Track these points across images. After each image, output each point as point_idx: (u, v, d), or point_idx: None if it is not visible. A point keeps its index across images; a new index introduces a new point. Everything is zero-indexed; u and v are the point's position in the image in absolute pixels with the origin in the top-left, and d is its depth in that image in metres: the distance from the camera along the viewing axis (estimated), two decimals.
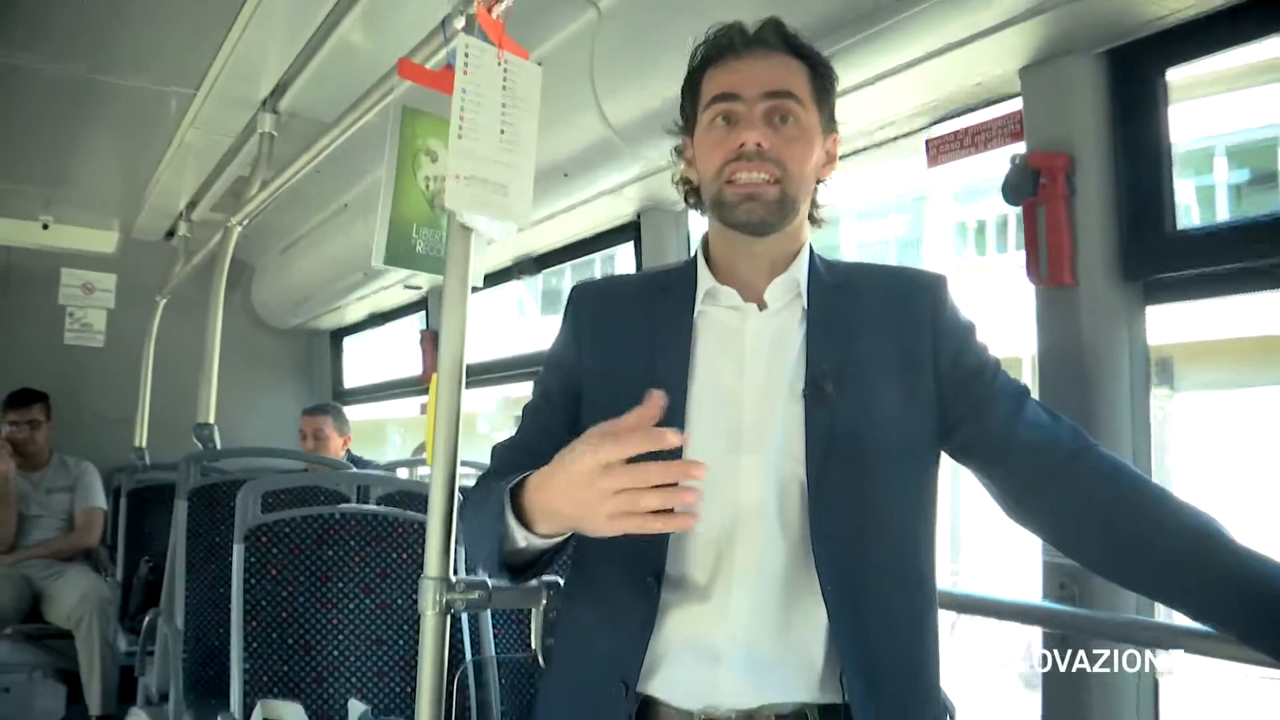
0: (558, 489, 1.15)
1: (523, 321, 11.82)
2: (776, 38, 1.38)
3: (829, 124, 1.41)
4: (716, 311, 1.39)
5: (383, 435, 9.43)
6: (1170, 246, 1.82)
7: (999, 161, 1.95)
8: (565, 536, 1.24)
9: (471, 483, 1.46)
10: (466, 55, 1.63)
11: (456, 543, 1.70)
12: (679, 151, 1.49)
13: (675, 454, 1.22)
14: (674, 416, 1.28)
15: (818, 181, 1.42)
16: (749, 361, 1.35)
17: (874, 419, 1.32)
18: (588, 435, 1.12)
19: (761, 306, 1.38)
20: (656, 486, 1.08)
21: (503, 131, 1.67)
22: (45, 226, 5.07)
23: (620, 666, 1.29)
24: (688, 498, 1.07)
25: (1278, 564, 1.19)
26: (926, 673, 1.35)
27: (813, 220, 1.44)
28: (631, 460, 1.09)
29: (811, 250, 1.43)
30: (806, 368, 1.33)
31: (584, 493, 1.10)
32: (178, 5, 2.83)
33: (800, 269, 1.39)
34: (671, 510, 1.08)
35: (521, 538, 1.21)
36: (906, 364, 1.36)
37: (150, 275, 5.09)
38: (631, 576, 1.30)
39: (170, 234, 5.11)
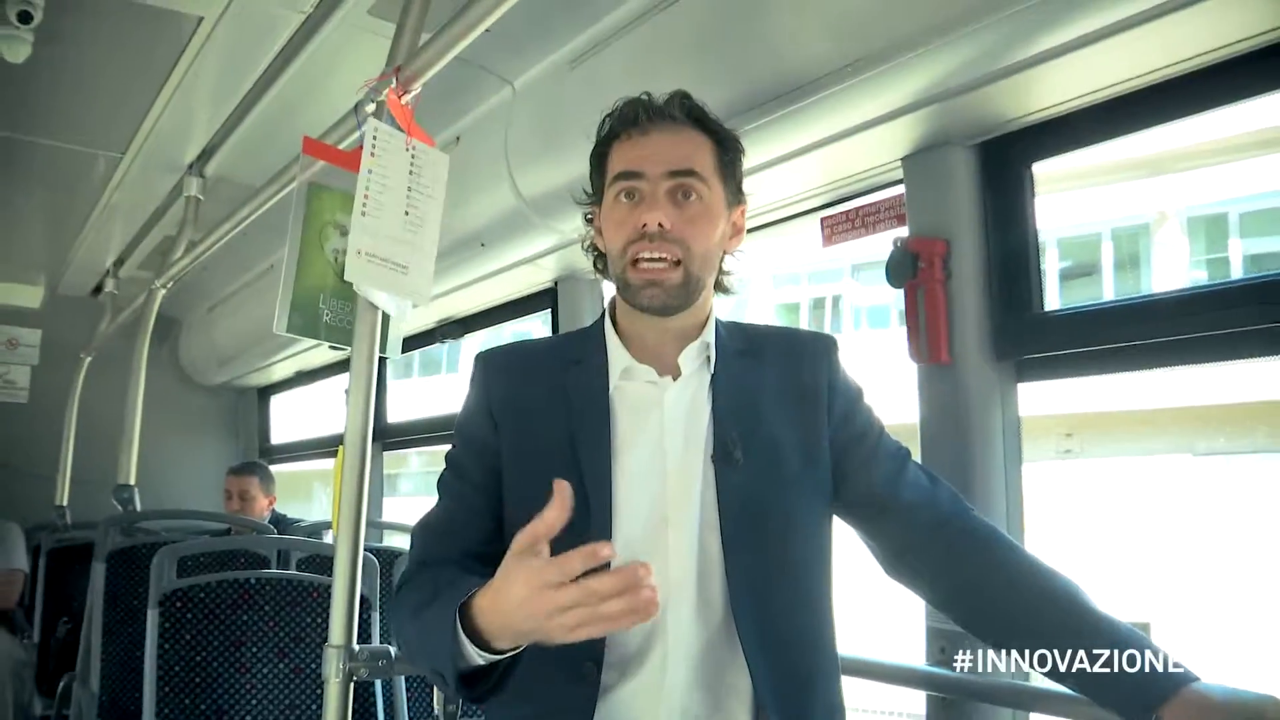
0: (511, 609, 1.10)
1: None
2: (682, 112, 1.39)
3: (735, 196, 1.42)
4: (632, 386, 1.40)
5: (309, 489, 9.35)
6: (1038, 328, 1.93)
7: (882, 243, 2.06)
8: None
9: (394, 544, 1.46)
10: (375, 139, 1.69)
11: (360, 609, 1.73)
12: (588, 220, 1.50)
13: (603, 535, 1.28)
14: (601, 496, 1.32)
15: (725, 253, 1.43)
16: (668, 432, 1.36)
17: (780, 482, 1.36)
18: (516, 551, 1.09)
19: (675, 376, 1.40)
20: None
21: (407, 213, 1.72)
22: None
23: None
24: (647, 594, 1.04)
25: (1131, 631, 1.27)
26: None
27: (722, 289, 1.46)
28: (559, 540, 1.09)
29: (716, 319, 1.45)
30: (715, 435, 1.36)
31: (538, 608, 1.07)
32: (105, 71, 2.87)
33: (709, 335, 1.41)
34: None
35: (479, 657, 1.15)
36: (807, 426, 1.40)
37: (76, 332, 5.04)
38: (568, 664, 1.28)
39: (98, 290, 5.08)
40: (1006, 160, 1.96)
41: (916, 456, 1.50)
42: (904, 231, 2.05)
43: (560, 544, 1.24)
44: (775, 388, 1.41)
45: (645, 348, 1.41)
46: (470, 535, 1.38)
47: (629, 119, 1.39)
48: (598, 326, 1.46)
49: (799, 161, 2.09)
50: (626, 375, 1.40)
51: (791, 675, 1.32)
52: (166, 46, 2.62)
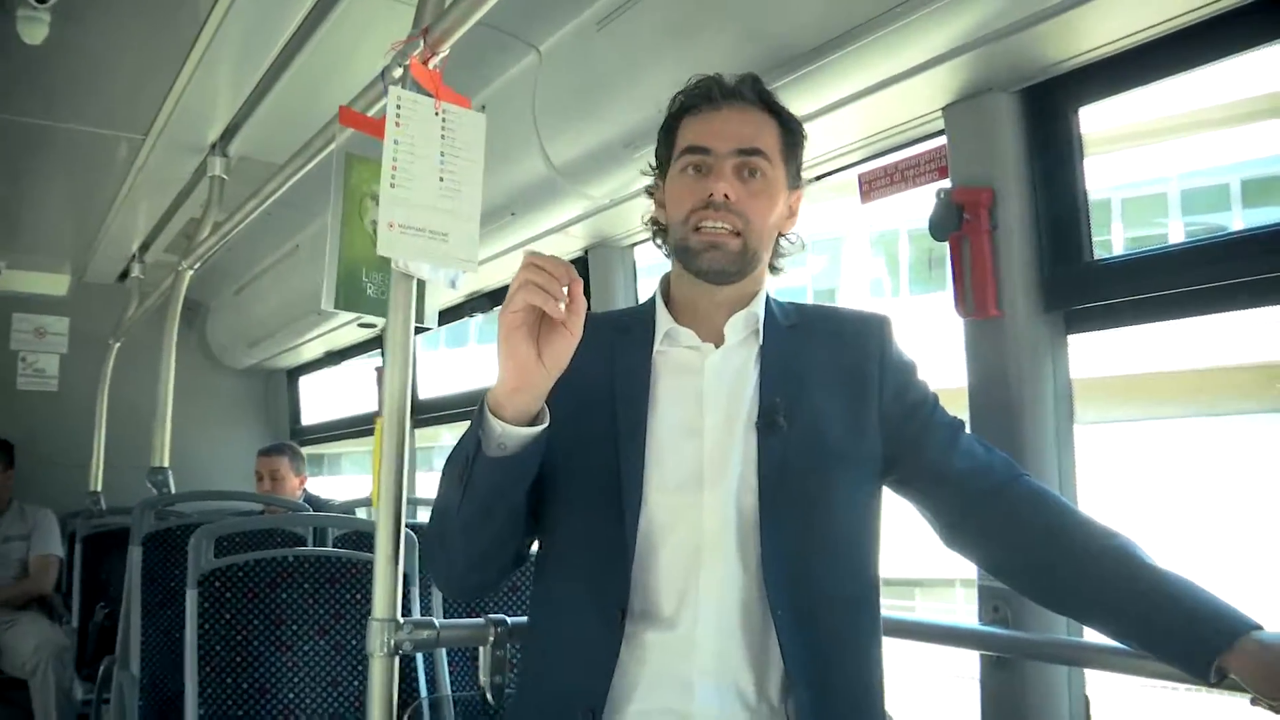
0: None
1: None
2: (752, 93, 1.43)
3: (794, 180, 1.46)
4: (675, 351, 1.43)
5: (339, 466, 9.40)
6: (1088, 277, 1.89)
7: (927, 196, 2.02)
8: (534, 447, 1.25)
9: (426, 520, 1.48)
10: (399, 107, 1.66)
11: (407, 584, 1.72)
12: (650, 193, 1.54)
13: (636, 495, 1.34)
14: (634, 450, 1.36)
15: (780, 235, 1.47)
16: (708, 397, 1.40)
17: (822, 452, 1.38)
18: None
19: (719, 344, 1.43)
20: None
21: (442, 179, 1.69)
22: None
23: (586, 699, 1.31)
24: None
25: (1188, 584, 1.26)
26: (873, 694, 1.40)
27: (773, 269, 1.50)
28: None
29: (768, 295, 1.48)
30: (760, 402, 1.39)
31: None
32: (124, 50, 2.86)
33: (759, 307, 1.45)
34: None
35: (497, 426, 1.23)
36: (854, 400, 1.43)
37: (104, 318, 5.08)
38: (596, 611, 1.33)
39: (124, 275, 5.10)
40: (1052, 105, 1.91)
41: (964, 413, 1.49)
42: (946, 184, 2.00)
43: (592, 491, 1.36)
44: (824, 363, 1.44)
45: (695, 314, 1.45)
46: None
47: (700, 96, 1.44)
48: (651, 302, 1.51)
49: (833, 117, 2.06)
50: (670, 339, 1.44)
51: (822, 642, 1.34)
52: (185, 23, 2.60)
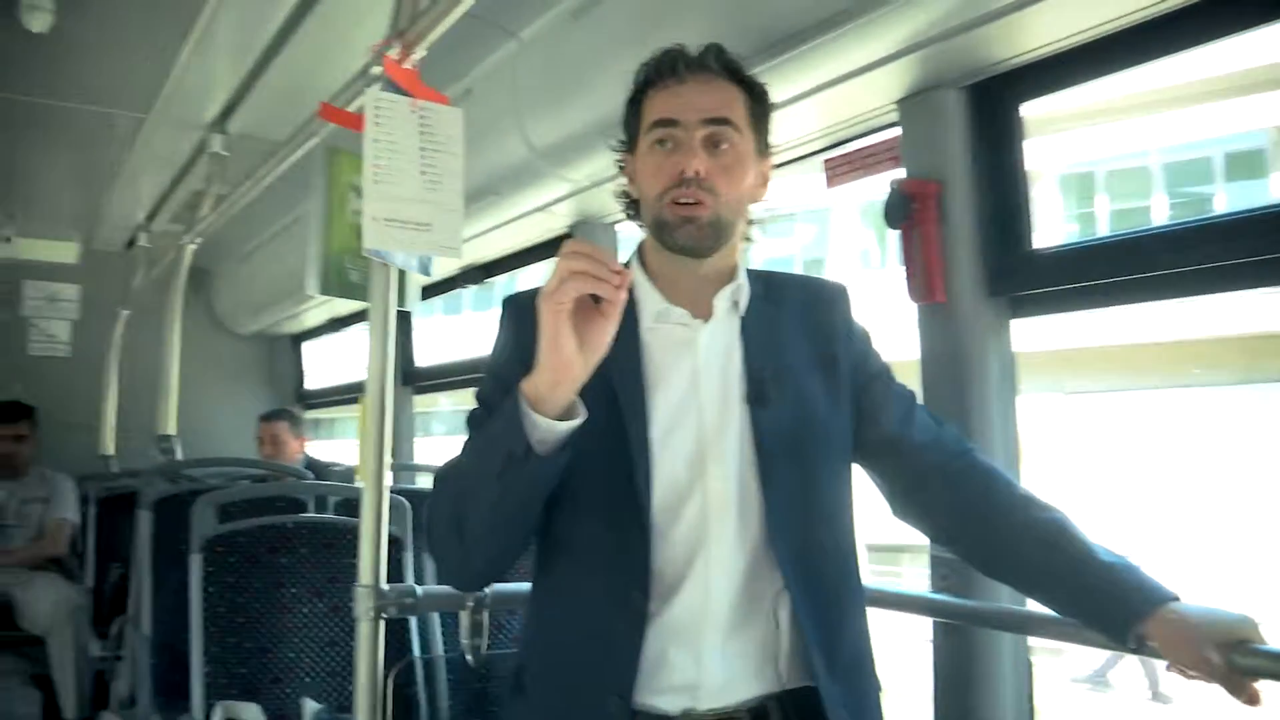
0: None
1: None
2: (718, 63, 1.41)
3: (763, 147, 1.44)
4: (665, 328, 1.42)
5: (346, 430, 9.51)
6: (1030, 265, 1.98)
7: (884, 183, 2.11)
8: (570, 440, 1.25)
9: (425, 485, 1.52)
10: (377, 108, 1.73)
11: (391, 549, 1.83)
12: (620, 167, 1.51)
13: (646, 478, 1.35)
14: (639, 428, 1.37)
15: (752, 201, 1.46)
16: (703, 372, 1.40)
17: (809, 420, 1.42)
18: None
19: (707, 318, 1.43)
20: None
21: (423, 172, 1.76)
22: (7, 240, 5.11)
23: (615, 684, 1.32)
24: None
25: (1115, 558, 1.35)
26: (869, 651, 1.46)
27: (745, 237, 1.48)
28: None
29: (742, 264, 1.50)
30: (747, 374, 1.41)
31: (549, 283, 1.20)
32: (125, 34, 2.94)
33: (742, 278, 1.45)
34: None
35: (542, 423, 1.22)
36: (828, 368, 1.46)
37: (113, 286, 5.17)
38: (616, 596, 1.34)
39: (131, 244, 5.18)
40: (997, 101, 1.99)
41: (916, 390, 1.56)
42: (902, 173, 2.09)
43: (601, 476, 1.33)
44: (797, 331, 1.47)
45: (680, 291, 1.44)
46: None
47: (666, 68, 1.41)
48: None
49: (799, 106, 2.12)
50: (661, 318, 1.43)
51: (826, 598, 1.39)
52: (182, 9, 2.70)
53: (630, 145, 1.47)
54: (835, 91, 2.06)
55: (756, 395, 1.39)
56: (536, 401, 1.23)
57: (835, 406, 1.45)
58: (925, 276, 1.99)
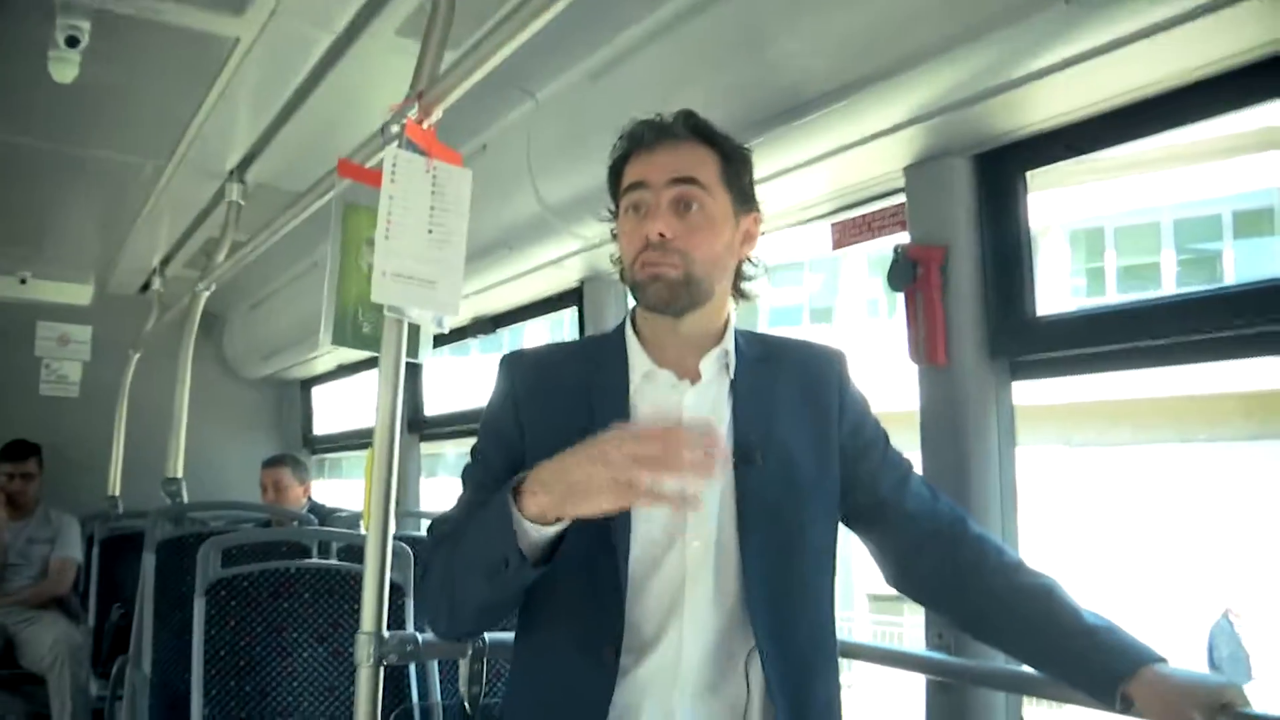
0: (575, 457, 1.22)
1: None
2: (685, 128, 1.45)
3: (743, 204, 1.48)
4: (651, 389, 1.46)
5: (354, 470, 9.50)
6: (1031, 330, 2.02)
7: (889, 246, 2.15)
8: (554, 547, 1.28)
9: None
10: (395, 166, 1.77)
11: (393, 596, 1.84)
12: (613, 234, 1.55)
13: (625, 535, 1.37)
14: None
15: (741, 260, 1.50)
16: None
17: (795, 485, 1.44)
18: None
19: (694, 380, 1.45)
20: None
21: (431, 231, 1.80)
22: (23, 281, 5.20)
23: None
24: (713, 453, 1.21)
25: (1103, 621, 1.38)
26: (836, 710, 1.48)
27: (742, 295, 1.52)
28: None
29: (734, 325, 1.51)
30: (735, 438, 1.43)
31: (604, 449, 1.20)
32: (148, 87, 3.00)
33: (729, 343, 1.48)
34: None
35: (532, 530, 1.25)
36: (819, 435, 1.49)
37: (125, 328, 5.20)
38: (589, 650, 1.37)
39: (145, 287, 5.26)
40: (1003, 170, 2.03)
41: (916, 450, 1.59)
42: (905, 238, 2.13)
43: (579, 533, 1.32)
44: (790, 396, 1.49)
45: (666, 353, 1.47)
46: None
47: (637, 138, 1.48)
48: (618, 332, 1.53)
49: (808, 171, 2.17)
50: (648, 379, 1.46)
51: (797, 662, 1.41)
52: (206, 65, 2.75)
53: (615, 214, 1.53)
54: (844, 157, 2.10)
55: (743, 457, 1.41)
56: (535, 510, 1.25)
57: (824, 473, 1.48)
58: (928, 339, 2.02)
